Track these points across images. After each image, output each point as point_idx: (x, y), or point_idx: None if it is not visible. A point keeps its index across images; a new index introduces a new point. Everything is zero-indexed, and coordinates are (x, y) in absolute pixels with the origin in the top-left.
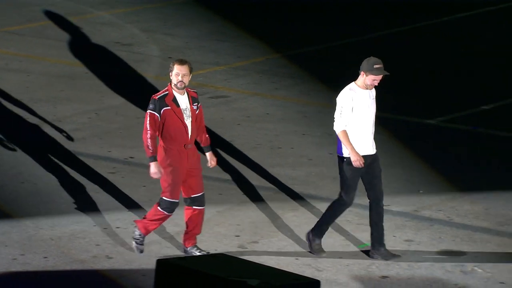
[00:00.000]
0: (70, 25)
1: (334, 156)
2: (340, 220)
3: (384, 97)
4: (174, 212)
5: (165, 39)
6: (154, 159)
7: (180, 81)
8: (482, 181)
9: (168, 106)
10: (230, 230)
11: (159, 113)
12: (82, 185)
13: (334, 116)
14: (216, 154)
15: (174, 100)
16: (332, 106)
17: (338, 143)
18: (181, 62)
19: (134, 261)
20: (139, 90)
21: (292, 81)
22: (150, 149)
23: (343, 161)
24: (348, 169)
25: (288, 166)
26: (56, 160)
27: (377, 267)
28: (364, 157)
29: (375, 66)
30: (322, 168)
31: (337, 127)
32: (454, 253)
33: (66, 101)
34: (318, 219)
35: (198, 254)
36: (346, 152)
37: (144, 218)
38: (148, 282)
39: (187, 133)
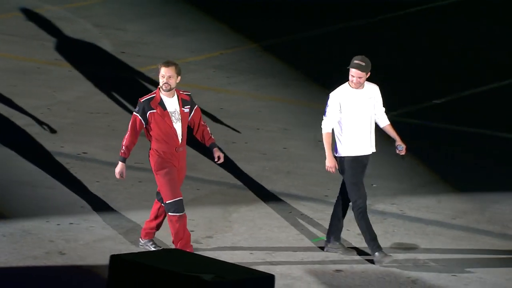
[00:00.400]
0: (22, 20)
1: (288, 150)
2: (294, 214)
3: None
4: (128, 208)
5: (117, 34)
6: (123, 159)
7: (165, 83)
8: (434, 175)
9: (153, 110)
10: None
11: (144, 116)
12: (35, 181)
13: (323, 116)
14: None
15: (161, 103)
16: (286, 100)
17: (335, 145)
18: (167, 64)
19: (87, 257)
20: (91, 85)
21: (246, 76)
22: (122, 149)
23: (343, 161)
24: (350, 167)
25: (242, 160)
26: (8, 156)
27: (331, 260)
28: (361, 157)
29: (355, 61)
30: (275, 162)
31: (323, 128)
32: (407, 246)
33: (18, 97)
34: (365, 240)
35: (153, 249)
36: (342, 152)
37: (173, 242)
38: (102, 277)
39: (177, 137)
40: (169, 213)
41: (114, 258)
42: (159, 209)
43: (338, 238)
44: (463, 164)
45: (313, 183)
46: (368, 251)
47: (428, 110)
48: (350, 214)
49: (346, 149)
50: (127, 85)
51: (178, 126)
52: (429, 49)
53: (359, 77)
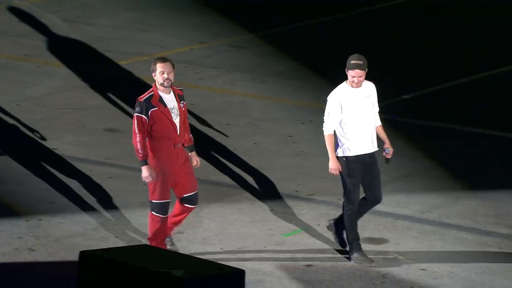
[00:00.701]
0: None
1: (258, 146)
2: (265, 209)
3: (312, 88)
4: (98, 204)
5: (87, 29)
6: (145, 162)
7: (167, 79)
8: (403, 170)
9: (155, 107)
10: None
11: (147, 115)
12: (4, 177)
13: (324, 118)
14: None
15: (161, 100)
16: (256, 96)
17: (336, 145)
18: (163, 59)
19: (57, 253)
20: (60, 80)
21: (216, 72)
22: (140, 153)
23: (343, 161)
24: (347, 168)
25: (213, 156)
26: None
27: (302, 256)
28: (362, 156)
29: (352, 61)
30: (246, 158)
31: (324, 130)
32: (377, 241)
33: None
34: (346, 238)
35: (168, 247)
36: (341, 152)
37: (148, 239)
38: (72, 273)
39: (176, 132)
40: (153, 212)
41: (84, 254)
42: (181, 208)
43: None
44: (432, 159)
45: (284, 178)
46: (340, 247)
47: (398, 105)
48: (324, 210)
49: (347, 149)
50: (97, 80)
51: (177, 122)
52: (401, 43)
53: (360, 76)
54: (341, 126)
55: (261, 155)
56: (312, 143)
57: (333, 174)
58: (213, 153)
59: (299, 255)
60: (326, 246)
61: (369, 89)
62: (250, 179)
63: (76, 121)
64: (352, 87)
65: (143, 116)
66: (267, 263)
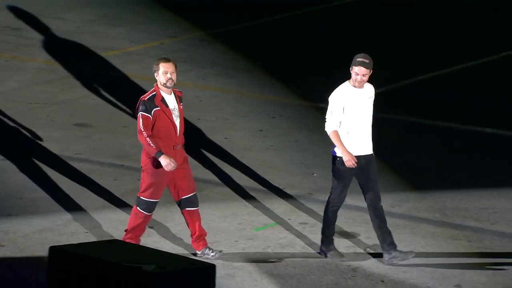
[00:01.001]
0: None
1: (229, 140)
2: (236, 204)
3: (282, 82)
4: (68, 199)
5: (56, 23)
6: (161, 153)
7: (170, 79)
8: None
9: (157, 107)
10: (126, 216)
11: (151, 114)
12: None
13: (326, 117)
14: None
15: (163, 100)
16: (227, 90)
17: (333, 144)
18: (166, 60)
19: (26, 249)
20: (30, 75)
21: (187, 66)
22: (153, 146)
23: (335, 161)
24: (340, 169)
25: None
26: None
27: (272, 250)
28: (357, 157)
29: (358, 59)
30: (217, 152)
31: (328, 128)
32: (347, 235)
33: None
34: (321, 231)
35: (212, 255)
36: (339, 152)
37: (126, 231)
38: (42, 269)
39: (176, 133)
40: (138, 208)
41: (53, 249)
42: (188, 216)
43: (391, 244)
44: (403, 153)
45: (255, 172)
46: (316, 243)
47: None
48: (295, 204)
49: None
50: (66, 75)
51: (177, 123)
52: (365, 39)
53: (364, 75)
54: (339, 127)
55: (232, 149)
56: (283, 137)
57: (350, 166)
58: (184, 148)
59: (270, 250)
60: (297, 241)
61: (370, 91)
62: (221, 174)
63: (46, 116)
64: (355, 86)
65: (147, 114)
66: (237, 257)
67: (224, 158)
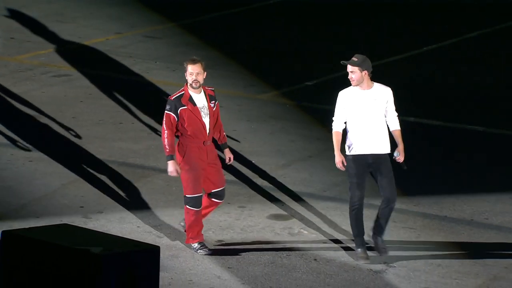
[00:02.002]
0: None
1: None
2: (179, 190)
3: (223, 75)
4: (19, 186)
5: (5, 21)
6: (171, 158)
7: (195, 80)
8: (306, 151)
9: (184, 106)
10: (75, 201)
11: (176, 113)
12: None
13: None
14: (231, 150)
15: (191, 99)
16: (170, 83)
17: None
18: (193, 61)
19: None
20: None
21: (132, 61)
22: (167, 148)
23: (346, 160)
24: (349, 167)
25: (130, 140)
26: None
27: (213, 232)
28: (363, 156)
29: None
30: (160, 141)
31: (332, 127)
32: (283, 217)
33: None
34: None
35: (201, 252)
36: (346, 150)
37: (186, 231)
38: None
39: (206, 131)
40: (187, 206)
41: (5, 233)
42: (208, 203)
43: (380, 234)
44: (330, 142)
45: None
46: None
47: (302, 91)
48: (234, 189)
49: (348, 148)
50: (14, 70)
51: (206, 121)
52: (297, 32)
53: (351, 72)
54: (346, 125)
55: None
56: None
57: (339, 167)
58: (130, 138)
59: (211, 232)
60: (236, 223)
61: (381, 93)
62: (164, 162)
63: None
64: (356, 85)
65: (171, 114)
66: (180, 239)
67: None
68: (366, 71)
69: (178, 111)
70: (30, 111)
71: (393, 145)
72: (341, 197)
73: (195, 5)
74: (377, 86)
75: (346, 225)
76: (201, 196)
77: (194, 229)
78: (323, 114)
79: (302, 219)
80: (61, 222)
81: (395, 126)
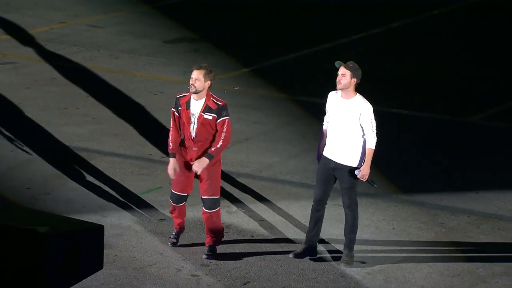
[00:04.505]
0: None
1: (116, 114)
2: (123, 171)
3: (162, 62)
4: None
5: None
6: (171, 155)
7: (192, 85)
8: (244, 134)
9: (181, 106)
10: (22, 183)
11: (177, 111)
12: None
13: None
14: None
15: (188, 102)
16: (112, 70)
17: None
18: (197, 67)
19: None
20: None
21: (76, 49)
22: (170, 146)
23: None
24: (319, 163)
25: (74, 124)
26: None
27: (156, 211)
28: (328, 159)
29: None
30: (104, 126)
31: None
32: (221, 196)
33: None
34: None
35: (204, 255)
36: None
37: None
38: None
39: (190, 138)
40: (169, 198)
41: None
42: (203, 214)
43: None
44: (268, 125)
45: (139, 143)
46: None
47: (240, 77)
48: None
49: (322, 147)
50: None
51: (192, 128)
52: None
53: (342, 74)
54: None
55: (118, 123)
56: (163, 112)
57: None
58: (75, 122)
59: (153, 211)
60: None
61: (356, 106)
62: (108, 145)
63: None
64: (336, 88)
65: (174, 111)
66: (125, 219)
67: (112, 131)
68: (355, 79)
69: (178, 110)
70: None
71: None
72: (276, 178)
73: None
74: (358, 98)
75: (281, 204)
76: (178, 195)
77: (174, 218)
78: (259, 99)
79: (241, 197)
80: (9, 204)
81: (368, 144)
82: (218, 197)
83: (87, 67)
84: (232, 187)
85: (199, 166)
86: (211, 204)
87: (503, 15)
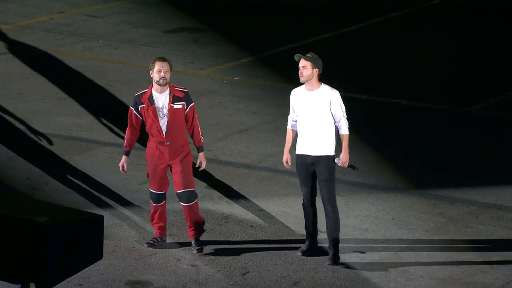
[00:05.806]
0: None
1: (115, 105)
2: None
3: (161, 52)
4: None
5: None
6: (125, 153)
7: (163, 77)
8: (243, 124)
9: (143, 104)
10: (21, 173)
11: (137, 110)
12: None
13: None
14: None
15: (150, 98)
16: (112, 60)
17: None
18: (162, 59)
19: None
20: None
21: (75, 39)
22: (124, 143)
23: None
24: (296, 164)
25: (74, 115)
26: None
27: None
28: (304, 156)
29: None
30: (104, 115)
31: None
32: (221, 187)
33: None
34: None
35: (194, 250)
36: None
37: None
38: None
39: (161, 132)
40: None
41: None
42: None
43: (314, 241)
44: (267, 115)
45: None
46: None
47: (239, 67)
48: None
49: (296, 147)
50: None
51: (163, 122)
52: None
53: (303, 66)
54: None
55: (117, 113)
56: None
57: (286, 166)
58: (74, 113)
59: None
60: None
61: (324, 95)
62: (107, 135)
63: None
64: (300, 80)
65: (133, 109)
66: (124, 209)
67: (110, 120)
68: (317, 69)
69: (139, 109)
70: None
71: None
72: (276, 168)
73: None
74: (324, 87)
75: (280, 194)
76: (157, 194)
77: (153, 221)
78: (259, 90)
79: (240, 188)
80: (9, 193)
81: (342, 130)
82: (194, 189)
83: (86, 57)
84: (232, 178)
85: (203, 162)
86: (189, 196)
87: (502, 16)
